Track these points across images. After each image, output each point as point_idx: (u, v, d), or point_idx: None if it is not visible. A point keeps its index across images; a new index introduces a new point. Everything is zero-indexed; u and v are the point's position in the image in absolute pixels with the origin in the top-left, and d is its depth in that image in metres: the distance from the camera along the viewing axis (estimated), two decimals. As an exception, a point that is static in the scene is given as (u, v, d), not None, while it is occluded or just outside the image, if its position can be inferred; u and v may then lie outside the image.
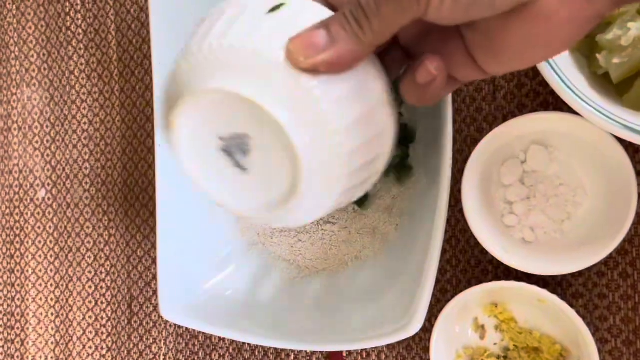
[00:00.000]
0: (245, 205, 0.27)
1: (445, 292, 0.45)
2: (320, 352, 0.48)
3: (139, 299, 0.52)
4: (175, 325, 0.51)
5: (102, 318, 0.53)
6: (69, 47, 0.55)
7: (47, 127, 0.55)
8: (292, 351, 0.48)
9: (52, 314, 0.55)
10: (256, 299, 0.45)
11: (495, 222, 0.41)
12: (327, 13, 0.24)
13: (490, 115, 0.45)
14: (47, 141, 0.55)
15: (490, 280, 0.43)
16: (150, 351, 0.52)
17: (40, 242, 0.55)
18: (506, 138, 0.40)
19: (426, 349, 0.46)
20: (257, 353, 0.49)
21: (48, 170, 0.55)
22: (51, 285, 0.55)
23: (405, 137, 0.43)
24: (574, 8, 0.21)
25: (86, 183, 0.54)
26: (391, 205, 0.44)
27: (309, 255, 0.46)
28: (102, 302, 0.53)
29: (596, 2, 0.21)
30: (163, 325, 0.52)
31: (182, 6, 0.43)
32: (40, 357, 0.55)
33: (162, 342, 0.52)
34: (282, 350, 0.48)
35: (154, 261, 0.52)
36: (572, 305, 0.39)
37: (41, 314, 0.55)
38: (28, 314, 0.55)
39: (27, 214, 0.56)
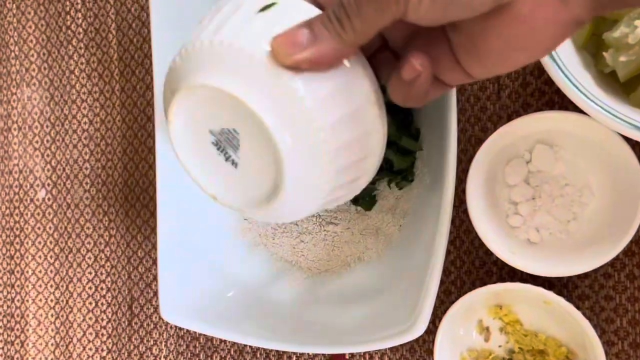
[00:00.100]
0: (235, 199, 0.27)
1: (449, 293, 0.45)
2: (323, 354, 0.47)
3: (139, 301, 0.52)
4: (176, 327, 0.51)
5: (102, 319, 0.53)
6: (69, 46, 0.54)
7: (47, 126, 0.55)
8: (294, 353, 0.48)
9: (52, 316, 0.54)
10: (257, 300, 0.45)
11: (500, 222, 0.41)
12: (315, 12, 0.25)
13: (495, 114, 0.45)
14: (47, 141, 0.55)
15: (494, 282, 0.42)
16: (151, 353, 0.52)
17: (40, 242, 0.55)
18: (511, 137, 0.40)
19: (430, 352, 0.45)
20: (258, 355, 0.49)
21: (48, 170, 0.55)
22: (51, 286, 0.54)
23: (410, 150, 0.42)
24: (548, 10, 0.22)
25: (86, 183, 0.54)
26: (394, 205, 0.44)
27: (311, 256, 0.45)
28: (102, 304, 0.53)
29: (572, 7, 0.22)
30: (164, 327, 0.51)
31: (182, 5, 0.42)
32: (40, 358, 0.54)
33: (163, 343, 0.51)
34: (284, 352, 0.48)
35: (155, 262, 0.52)
36: (578, 307, 0.38)
37: (41, 315, 0.54)
38: (28, 316, 0.55)
39: (27, 214, 0.55)
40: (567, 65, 0.34)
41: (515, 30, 0.22)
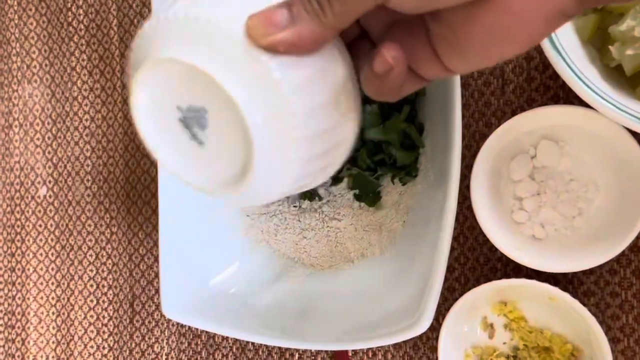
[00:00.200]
0: (200, 180, 0.27)
1: (453, 290, 0.45)
2: (326, 351, 0.47)
3: (140, 298, 0.52)
4: (177, 324, 0.50)
5: (103, 317, 0.53)
6: (70, 43, 0.54)
7: (48, 124, 0.55)
8: (297, 350, 0.47)
9: (53, 313, 0.54)
10: (260, 297, 0.44)
11: (504, 218, 0.40)
12: None
13: (499, 110, 0.44)
14: (49, 138, 0.55)
15: (499, 278, 0.42)
16: (153, 350, 0.51)
17: (41, 240, 0.55)
18: (515, 133, 0.39)
19: (433, 349, 0.45)
20: (260, 352, 0.49)
21: (49, 167, 0.55)
22: (52, 283, 0.54)
23: (414, 144, 0.42)
24: (535, 1, 0.21)
25: (88, 180, 0.54)
26: (398, 201, 0.43)
27: (313, 253, 0.45)
28: (103, 301, 0.53)
29: None
30: (165, 324, 0.51)
31: None
32: (42, 356, 0.54)
33: (165, 341, 0.51)
34: (287, 349, 0.48)
35: (156, 259, 0.51)
36: (583, 304, 0.38)
37: (42, 312, 0.54)
38: (29, 313, 0.55)
39: (28, 211, 0.55)
40: (572, 59, 0.34)
41: (500, 20, 0.22)
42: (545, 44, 0.34)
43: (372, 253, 0.44)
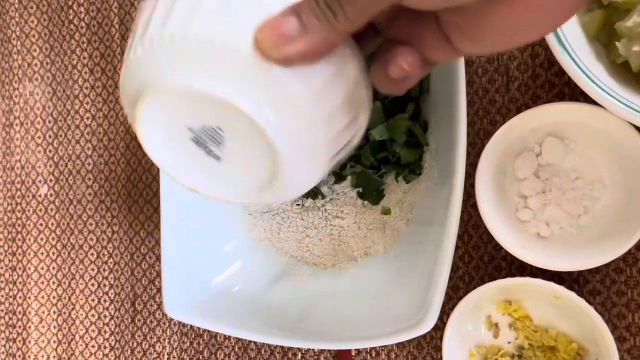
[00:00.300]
0: (223, 192, 0.26)
1: (457, 289, 0.44)
2: (328, 350, 0.46)
3: (142, 297, 0.51)
4: (179, 323, 0.50)
5: (105, 316, 0.52)
6: (71, 41, 0.54)
7: (49, 122, 0.55)
8: (299, 350, 0.47)
9: (54, 312, 0.54)
10: (263, 296, 0.44)
11: (509, 216, 0.40)
12: None
13: (504, 107, 0.44)
14: (50, 137, 0.55)
15: (503, 277, 0.42)
16: (154, 350, 0.51)
17: (42, 239, 0.54)
18: (520, 130, 0.39)
19: (437, 348, 0.45)
20: (263, 352, 0.48)
21: (50, 166, 0.54)
22: (53, 283, 0.54)
23: (418, 142, 0.42)
24: None
25: (89, 179, 0.53)
26: (402, 199, 0.43)
27: (316, 251, 0.45)
28: (105, 300, 0.52)
29: None
30: (167, 324, 0.51)
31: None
32: (42, 356, 0.54)
33: (166, 340, 0.51)
34: (289, 348, 0.47)
35: (158, 258, 0.51)
36: (589, 303, 0.37)
37: (43, 312, 0.54)
38: (30, 312, 0.54)
39: (29, 210, 0.55)
40: (579, 56, 0.34)
41: (520, 14, 0.21)
42: (551, 41, 0.33)
43: (376, 251, 0.44)
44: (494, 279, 0.40)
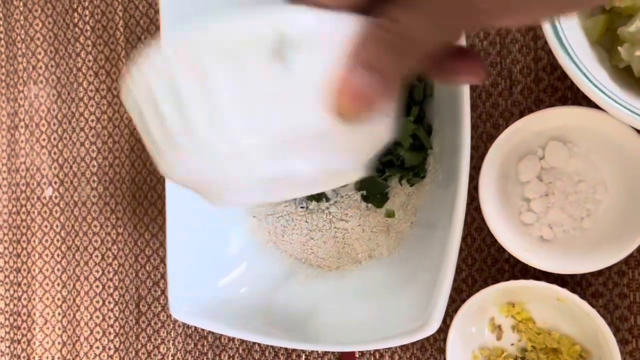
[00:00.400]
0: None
1: (460, 291, 0.44)
2: (332, 352, 0.47)
3: (146, 299, 0.52)
4: (183, 325, 0.50)
5: (109, 318, 0.53)
6: (76, 44, 0.54)
7: (54, 124, 0.55)
8: (303, 351, 0.47)
9: (59, 314, 0.54)
10: (267, 298, 0.44)
11: (512, 219, 0.40)
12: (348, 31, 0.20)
13: (507, 110, 0.44)
14: (54, 139, 0.55)
15: (507, 280, 0.42)
16: (159, 351, 0.51)
17: (47, 240, 0.55)
18: (523, 134, 0.39)
19: (441, 350, 0.45)
20: (267, 354, 0.48)
21: (55, 168, 0.55)
22: (58, 284, 0.54)
23: (422, 145, 0.42)
24: None
25: (94, 181, 0.54)
26: (406, 202, 0.43)
27: (321, 254, 0.45)
28: (109, 302, 0.53)
29: None
30: (171, 325, 0.51)
31: (192, 1, 0.42)
32: (47, 357, 0.54)
33: (171, 342, 0.51)
34: (293, 350, 0.48)
35: (162, 260, 0.51)
36: (591, 305, 0.38)
37: (48, 313, 0.54)
38: (35, 314, 0.54)
39: (33, 212, 0.55)
40: (581, 60, 0.34)
41: None
42: (554, 45, 0.34)
43: (380, 254, 0.44)
44: (497, 281, 0.40)
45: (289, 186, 0.23)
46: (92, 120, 0.54)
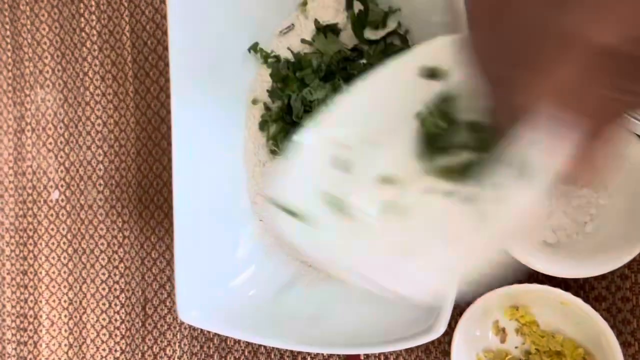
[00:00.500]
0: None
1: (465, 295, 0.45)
2: (337, 355, 0.47)
3: (153, 301, 0.52)
4: (189, 327, 0.51)
5: (116, 320, 0.53)
6: (83, 49, 0.55)
7: (60, 128, 0.55)
8: (309, 354, 0.48)
9: (65, 316, 0.54)
10: (274, 301, 0.45)
11: (516, 224, 0.41)
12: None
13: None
14: (61, 142, 0.55)
15: (510, 283, 0.42)
16: (165, 354, 0.52)
17: (53, 243, 0.55)
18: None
19: (445, 353, 0.45)
20: (273, 356, 0.49)
21: (61, 171, 0.55)
22: (64, 287, 0.54)
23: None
24: None
25: (100, 184, 0.54)
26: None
27: (327, 257, 0.45)
28: (115, 304, 0.53)
29: None
30: (177, 328, 0.51)
31: (199, 6, 0.43)
32: (54, 359, 0.54)
33: (177, 344, 0.51)
34: (299, 353, 0.48)
35: (168, 263, 0.52)
36: (595, 309, 0.38)
37: (54, 316, 0.54)
38: (41, 316, 0.55)
39: (40, 215, 0.55)
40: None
41: None
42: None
43: (385, 258, 0.44)
44: (501, 285, 0.40)
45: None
46: (99, 124, 0.54)
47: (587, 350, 0.40)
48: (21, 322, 0.56)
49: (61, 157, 0.55)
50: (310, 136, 0.25)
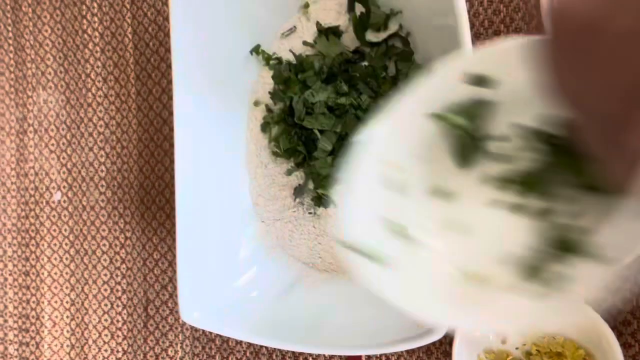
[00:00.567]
0: None
1: (465, 296, 0.45)
2: (339, 356, 0.47)
3: (155, 302, 0.52)
4: (191, 328, 0.51)
5: (117, 321, 0.53)
6: (85, 50, 0.55)
7: (63, 129, 0.55)
8: (310, 355, 0.48)
9: (67, 317, 0.54)
10: (276, 302, 0.45)
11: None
12: None
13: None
14: (63, 144, 0.55)
15: (511, 284, 0.42)
16: (167, 354, 0.52)
17: (55, 244, 0.55)
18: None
19: (446, 353, 0.45)
20: (274, 357, 0.49)
21: (64, 172, 0.55)
22: (66, 288, 0.55)
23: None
24: None
25: (102, 186, 0.54)
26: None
27: (328, 258, 0.46)
28: (117, 305, 0.53)
29: None
30: (179, 329, 0.51)
31: (201, 8, 0.43)
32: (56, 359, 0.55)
33: (179, 345, 0.52)
34: (300, 354, 0.48)
35: (170, 264, 0.52)
36: (595, 310, 0.38)
37: (56, 316, 0.55)
38: (43, 317, 0.55)
39: (42, 216, 0.56)
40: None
41: None
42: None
43: (387, 259, 0.45)
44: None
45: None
46: (101, 126, 0.54)
47: (587, 351, 0.40)
48: (23, 323, 0.56)
49: (63, 158, 0.55)
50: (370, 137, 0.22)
